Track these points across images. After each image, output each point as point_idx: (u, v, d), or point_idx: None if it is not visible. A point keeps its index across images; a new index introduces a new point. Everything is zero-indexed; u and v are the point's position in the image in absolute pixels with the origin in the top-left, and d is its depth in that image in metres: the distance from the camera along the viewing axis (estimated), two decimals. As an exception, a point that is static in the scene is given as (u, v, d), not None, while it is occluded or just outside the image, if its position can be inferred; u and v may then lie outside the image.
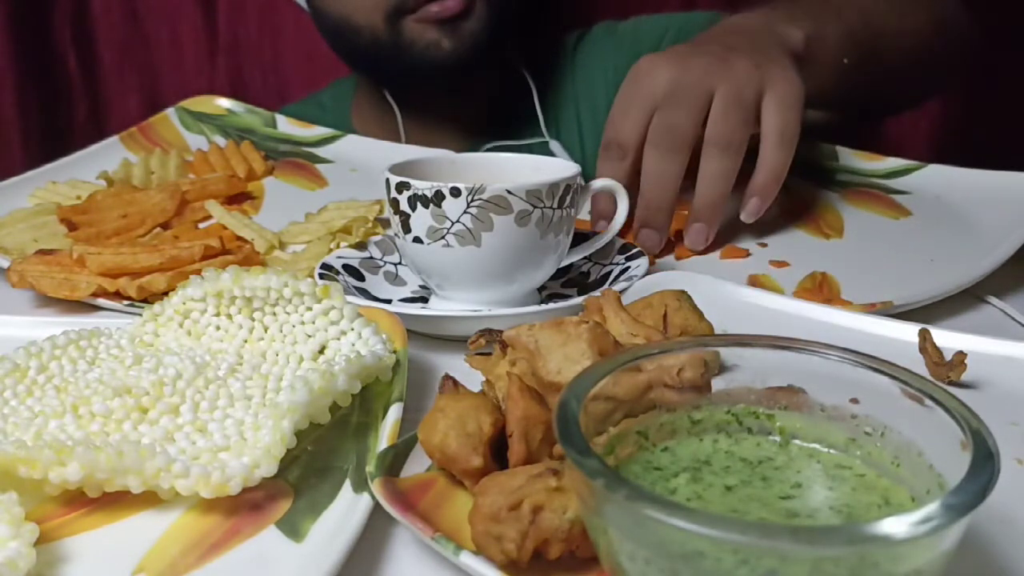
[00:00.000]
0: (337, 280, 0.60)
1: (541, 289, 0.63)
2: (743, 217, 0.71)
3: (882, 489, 0.33)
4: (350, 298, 0.53)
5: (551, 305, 0.55)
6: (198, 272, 0.52)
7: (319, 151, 0.93)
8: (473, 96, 1.09)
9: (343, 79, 1.21)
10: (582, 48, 1.15)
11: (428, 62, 0.98)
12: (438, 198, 0.55)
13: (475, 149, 1.07)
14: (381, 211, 0.75)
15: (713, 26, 0.79)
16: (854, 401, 0.35)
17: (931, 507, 0.27)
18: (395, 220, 0.58)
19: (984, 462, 0.29)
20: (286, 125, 0.97)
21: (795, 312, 0.56)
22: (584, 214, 0.61)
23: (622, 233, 0.65)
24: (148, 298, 0.60)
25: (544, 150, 1.09)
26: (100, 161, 0.87)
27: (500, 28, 1.01)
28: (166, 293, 0.54)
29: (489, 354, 0.45)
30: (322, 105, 1.19)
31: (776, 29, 0.74)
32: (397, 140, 1.06)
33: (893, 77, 0.88)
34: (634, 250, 0.64)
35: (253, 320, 0.50)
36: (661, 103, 0.68)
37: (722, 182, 0.68)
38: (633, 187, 0.69)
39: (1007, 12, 1.18)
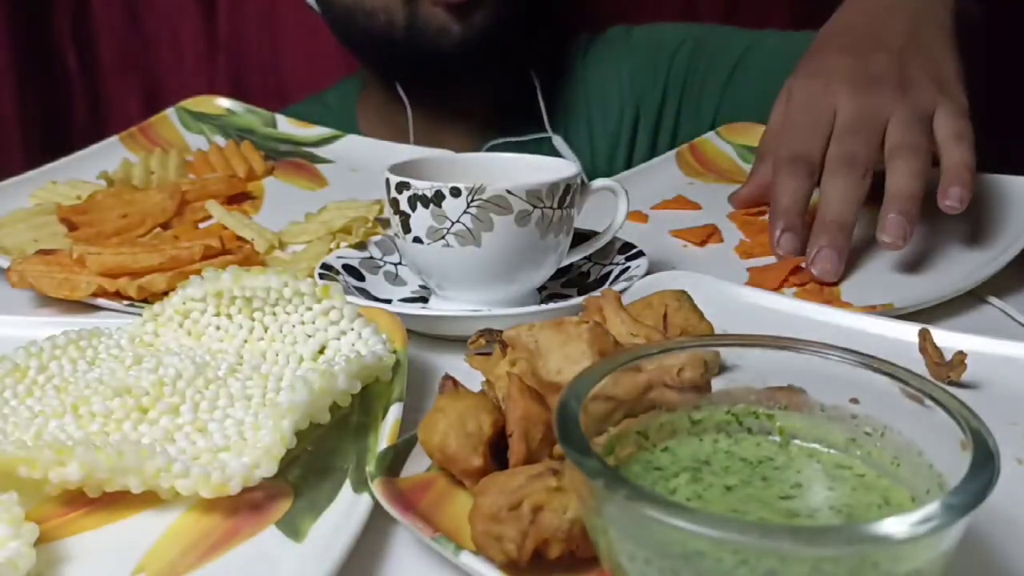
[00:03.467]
0: (337, 280, 0.60)
1: (541, 289, 0.63)
2: (947, 202, 0.65)
3: (882, 489, 0.33)
4: (350, 298, 0.53)
5: (551, 305, 0.55)
6: (198, 272, 0.52)
7: (319, 151, 0.93)
8: (481, 92, 1.09)
9: (349, 78, 1.21)
10: (594, 50, 1.16)
11: (438, 48, 0.98)
12: (438, 198, 0.55)
13: (480, 146, 1.07)
14: (381, 211, 0.75)
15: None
16: (854, 401, 0.35)
17: (931, 507, 0.27)
18: (395, 220, 0.58)
19: (984, 462, 0.29)
20: (286, 125, 0.97)
21: (795, 312, 0.56)
22: (585, 215, 0.62)
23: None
24: (148, 298, 0.60)
25: (548, 145, 1.10)
26: (100, 161, 0.87)
27: (510, 20, 1.01)
28: (166, 293, 0.54)
29: (489, 354, 0.45)
30: (327, 104, 1.19)
31: (932, 12, 0.73)
32: (403, 138, 1.07)
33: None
34: (634, 250, 0.64)
35: (253, 320, 0.50)
36: (836, 127, 0.68)
37: (916, 179, 0.65)
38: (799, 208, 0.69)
39: (1008, 13, 1.18)
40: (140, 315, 0.51)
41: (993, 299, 0.63)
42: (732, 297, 0.57)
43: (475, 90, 1.09)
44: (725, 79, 1.08)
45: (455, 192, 0.54)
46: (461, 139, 1.06)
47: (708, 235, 0.74)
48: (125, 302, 0.60)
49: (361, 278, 0.63)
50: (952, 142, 0.67)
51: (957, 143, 0.67)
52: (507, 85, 1.11)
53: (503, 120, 1.10)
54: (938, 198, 0.65)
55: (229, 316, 0.50)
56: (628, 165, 1.11)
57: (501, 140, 1.07)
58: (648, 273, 0.59)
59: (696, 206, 0.81)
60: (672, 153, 0.94)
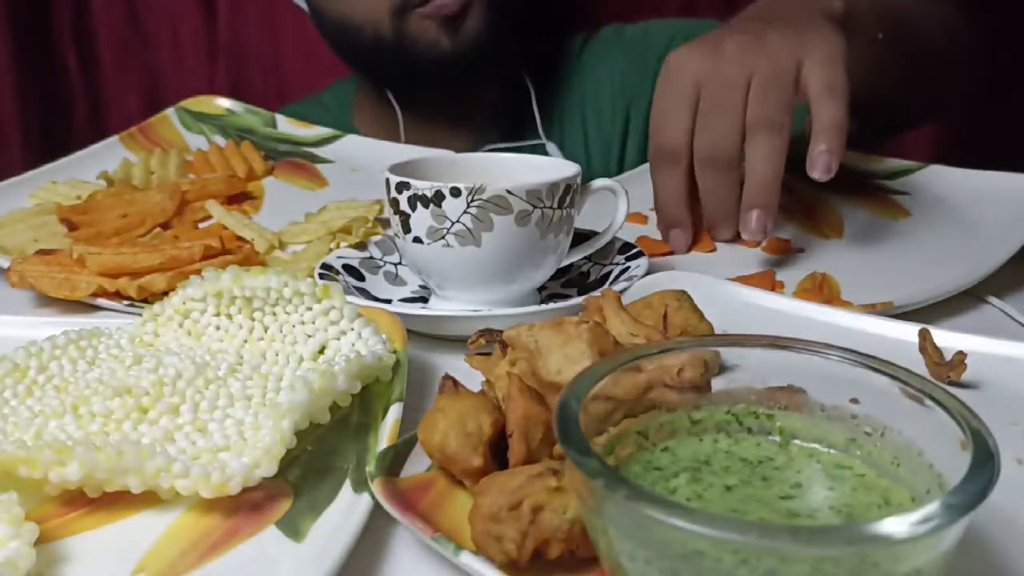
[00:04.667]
0: (337, 280, 0.60)
1: (541, 289, 0.63)
2: (815, 174, 0.64)
3: (882, 489, 0.33)
4: (350, 298, 0.53)
5: (551, 305, 0.55)
6: (198, 272, 0.52)
7: (319, 151, 0.93)
8: (474, 98, 1.09)
9: (345, 79, 1.21)
10: (588, 50, 1.15)
11: (429, 61, 0.98)
12: (438, 198, 0.55)
13: (474, 151, 1.07)
14: (381, 211, 0.75)
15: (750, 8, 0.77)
16: (854, 401, 0.35)
17: (931, 507, 0.27)
18: (395, 220, 0.58)
19: (984, 462, 0.29)
20: (286, 125, 0.97)
21: (795, 312, 0.56)
22: (585, 215, 0.62)
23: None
24: (148, 298, 0.60)
25: (541, 152, 1.09)
26: (100, 161, 0.87)
27: (502, 28, 1.01)
28: (166, 293, 0.54)
29: (489, 354, 0.45)
30: (324, 105, 1.19)
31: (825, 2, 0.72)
32: (397, 140, 1.06)
33: (921, 66, 0.85)
34: (634, 250, 0.64)
35: (253, 320, 0.50)
36: (700, 103, 0.67)
37: (774, 161, 0.65)
38: (694, 188, 0.70)
39: (1007, 12, 1.18)
40: (140, 315, 0.51)
41: (993, 299, 0.63)
42: (732, 297, 0.57)
43: (468, 98, 1.09)
44: None
45: (455, 192, 0.54)
46: (454, 145, 1.06)
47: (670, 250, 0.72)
48: (125, 302, 0.60)
49: (361, 278, 0.63)
50: (824, 97, 0.64)
51: (829, 98, 0.63)
52: (501, 89, 1.11)
53: (497, 125, 1.10)
54: (807, 166, 0.64)
55: (229, 316, 0.50)
56: (620, 166, 1.11)
57: (494, 146, 1.07)
58: (648, 273, 0.59)
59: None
60: (672, 153, 0.94)
